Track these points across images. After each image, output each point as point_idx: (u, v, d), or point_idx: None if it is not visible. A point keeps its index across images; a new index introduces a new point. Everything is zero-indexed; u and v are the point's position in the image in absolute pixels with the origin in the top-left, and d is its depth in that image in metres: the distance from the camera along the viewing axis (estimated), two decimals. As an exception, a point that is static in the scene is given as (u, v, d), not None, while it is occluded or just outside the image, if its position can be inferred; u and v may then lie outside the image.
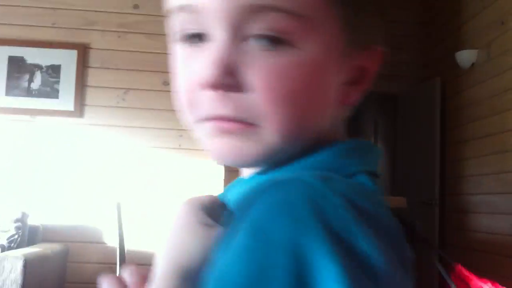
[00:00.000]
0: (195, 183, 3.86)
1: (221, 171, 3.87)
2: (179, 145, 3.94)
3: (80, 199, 3.94)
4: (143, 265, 1.72)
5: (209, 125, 0.46)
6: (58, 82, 3.94)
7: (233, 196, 0.49)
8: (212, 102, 0.44)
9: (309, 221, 0.36)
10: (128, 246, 3.33)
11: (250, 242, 0.36)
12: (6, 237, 3.52)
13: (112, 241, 3.80)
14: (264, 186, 0.39)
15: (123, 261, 3.20)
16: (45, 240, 3.86)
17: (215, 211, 0.46)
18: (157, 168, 3.98)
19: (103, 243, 3.95)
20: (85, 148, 3.95)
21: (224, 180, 3.86)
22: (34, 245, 3.65)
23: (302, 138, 0.46)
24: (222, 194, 0.52)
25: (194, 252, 0.43)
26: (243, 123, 0.44)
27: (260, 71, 0.43)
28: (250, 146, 0.45)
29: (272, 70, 0.43)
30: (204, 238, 0.44)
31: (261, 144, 0.45)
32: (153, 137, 3.98)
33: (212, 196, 0.49)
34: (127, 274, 0.49)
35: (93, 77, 3.99)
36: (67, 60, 3.95)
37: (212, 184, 3.80)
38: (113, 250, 3.60)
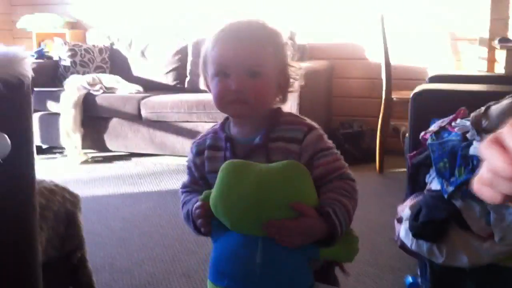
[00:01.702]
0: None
1: None
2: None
3: (344, 17, 4.26)
4: (407, 79, 2.75)
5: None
6: None
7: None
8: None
9: None
10: (392, 61, 3.62)
11: None
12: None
13: (374, 57, 4.14)
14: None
15: (389, 76, 3.53)
16: (311, 57, 4.24)
17: None
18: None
19: (366, 59, 4.27)
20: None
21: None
22: (303, 62, 3.95)
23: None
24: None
25: None
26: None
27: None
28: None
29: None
30: None
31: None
32: None
33: None
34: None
35: None
36: None
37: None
38: (375, 66, 4.01)
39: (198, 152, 1.18)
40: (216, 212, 1.03)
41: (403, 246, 1.99)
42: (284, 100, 1.17)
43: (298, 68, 1.16)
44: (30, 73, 1.23)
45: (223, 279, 1.02)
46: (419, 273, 1.96)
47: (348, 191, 1.07)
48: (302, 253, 1.02)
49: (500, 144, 0.43)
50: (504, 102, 1.93)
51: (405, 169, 3.62)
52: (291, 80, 1.15)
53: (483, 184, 0.46)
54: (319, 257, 1.04)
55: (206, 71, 1.13)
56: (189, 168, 1.21)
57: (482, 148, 0.45)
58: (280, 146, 1.09)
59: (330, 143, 1.12)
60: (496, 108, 1.92)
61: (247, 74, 1.06)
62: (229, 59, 1.06)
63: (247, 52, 1.06)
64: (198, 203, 1.08)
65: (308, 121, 1.13)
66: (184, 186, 1.23)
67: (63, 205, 1.63)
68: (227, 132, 1.15)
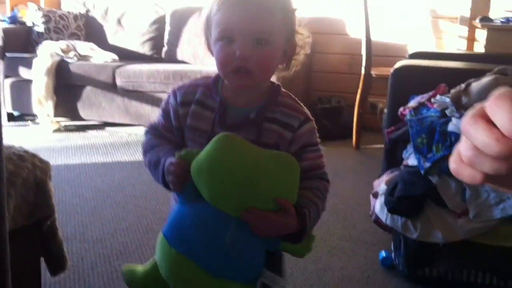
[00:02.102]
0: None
1: None
2: None
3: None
4: (387, 56, 2.84)
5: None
6: None
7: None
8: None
9: None
10: (372, 37, 3.60)
11: None
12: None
13: (354, 33, 4.12)
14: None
15: (369, 52, 3.53)
16: None
17: None
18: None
19: (347, 34, 4.24)
20: None
21: None
22: None
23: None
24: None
25: None
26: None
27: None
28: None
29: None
30: None
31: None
32: None
33: None
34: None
35: None
36: None
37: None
38: (355, 41, 3.99)
39: (184, 102, 1.11)
40: (197, 178, 0.98)
41: (377, 221, 1.99)
42: (287, 68, 1.12)
43: (306, 36, 1.11)
44: (0, 35, 1.16)
45: (183, 245, 0.99)
46: (392, 248, 1.97)
47: (322, 193, 1.09)
48: (266, 243, 1.02)
49: (485, 118, 0.40)
50: (485, 80, 1.92)
51: (381, 146, 3.63)
52: (297, 49, 1.11)
53: (462, 164, 0.43)
54: (278, 249, 1.06)
55: (209, 33, 1.07)
56: (165, 112, 1.13)
57: (465, 123, 0.41)
58: (274, 129, 1.06)
59: (318, 138, 1.12)
60: (476, 85, 1.91)
61: (253, 41, 1.00)
62: (235, 24, 1.00)
63: (254, 18, 1.00)
64: (175, 160, 1.02)
65: (305, 109, 1.11)
66: (154, 127, 1.16)
67: (33, 172, 1.57)
68: (220, 93, 1.09)
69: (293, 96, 1.13)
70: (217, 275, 0.98)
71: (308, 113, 1.11)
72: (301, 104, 1.12)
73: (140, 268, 1.09)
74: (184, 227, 1.01)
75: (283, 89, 1.12)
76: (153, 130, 1.16)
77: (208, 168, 0.96)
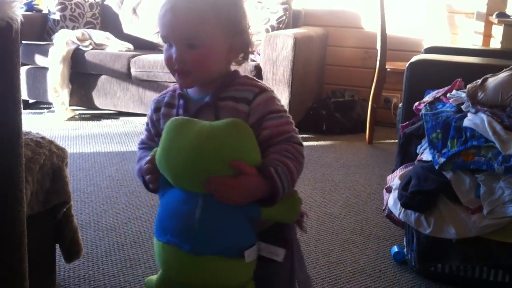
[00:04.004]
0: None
1: None
2: None
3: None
4: (401, 51, 3.08)
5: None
6: None
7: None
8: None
9: None
10: (387, 31, 3.58)
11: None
12: (275, 18, 3.92)
13: (370, 27, 4.14)
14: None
15: (384, 46, 3.52)
16: (306, 24, 4.26)
17: None
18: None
19: (361, 28, 4.24)
20: None
21: None
22: (298, 28, 4.02)
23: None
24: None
25: None
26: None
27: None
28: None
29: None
30: None
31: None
32: None
33: None
34: None
35: None
36: None
37: None
38: (370, 35, 4.04)
39: (156, 108, 1.18)
40: (160, 167, 1.03)
41: (390, 215, 1.99)
42: (244, 59, 1.16)
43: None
44: (19, 18, 1.17)
45: (165, 235, 1.03)
46: (405, 243, 1.97)
47: (293, 153, 1.05)
48: (243, 211, 1.01)
49: None
50: (501, 75, 1.91)
51: (394, 141, 3.63)
52: (252, 40, 1.14)
53: None
54: (260, 217, 1.03)
55: None
56: (147, 124, 1.21)
57: None
58: (229, 105, 1.08)
59: (281, 106, 1.11)
60: (493, 80, 1.90)
61: (186, 45, 1.06)
62: (169, 31, 1.07)
63: (182, 26, 1.05)
64: (148, 159, 1.10)
65: (261, 83, 1.12)
66: (142, 142, 1.23)
67: (50, 158, 1.59)
68: (183, 91, 1.14)
69: (250, 76, 1.16)
70: (198, 253, 1.00)
71: (265, 86, 1.11)
72: (259, 80, 1.13)
73: (156, 276, 1.13)
74: (163, 218, 1.06)
75: (241, 74, 1.15)
76: (141, 145, 1.24)
77: (162, 154, 1.03)
